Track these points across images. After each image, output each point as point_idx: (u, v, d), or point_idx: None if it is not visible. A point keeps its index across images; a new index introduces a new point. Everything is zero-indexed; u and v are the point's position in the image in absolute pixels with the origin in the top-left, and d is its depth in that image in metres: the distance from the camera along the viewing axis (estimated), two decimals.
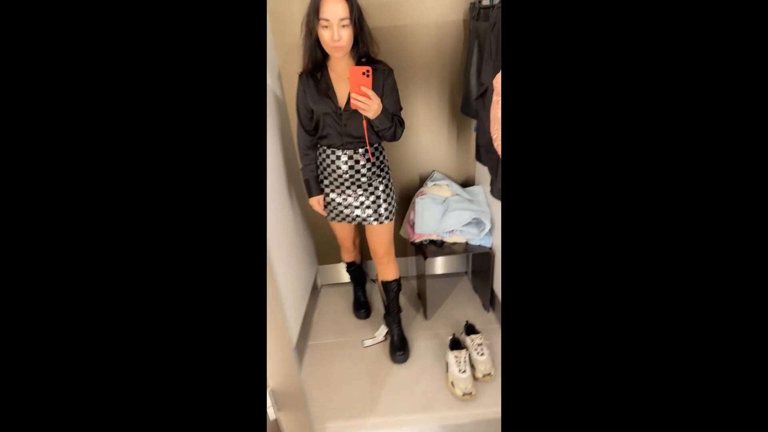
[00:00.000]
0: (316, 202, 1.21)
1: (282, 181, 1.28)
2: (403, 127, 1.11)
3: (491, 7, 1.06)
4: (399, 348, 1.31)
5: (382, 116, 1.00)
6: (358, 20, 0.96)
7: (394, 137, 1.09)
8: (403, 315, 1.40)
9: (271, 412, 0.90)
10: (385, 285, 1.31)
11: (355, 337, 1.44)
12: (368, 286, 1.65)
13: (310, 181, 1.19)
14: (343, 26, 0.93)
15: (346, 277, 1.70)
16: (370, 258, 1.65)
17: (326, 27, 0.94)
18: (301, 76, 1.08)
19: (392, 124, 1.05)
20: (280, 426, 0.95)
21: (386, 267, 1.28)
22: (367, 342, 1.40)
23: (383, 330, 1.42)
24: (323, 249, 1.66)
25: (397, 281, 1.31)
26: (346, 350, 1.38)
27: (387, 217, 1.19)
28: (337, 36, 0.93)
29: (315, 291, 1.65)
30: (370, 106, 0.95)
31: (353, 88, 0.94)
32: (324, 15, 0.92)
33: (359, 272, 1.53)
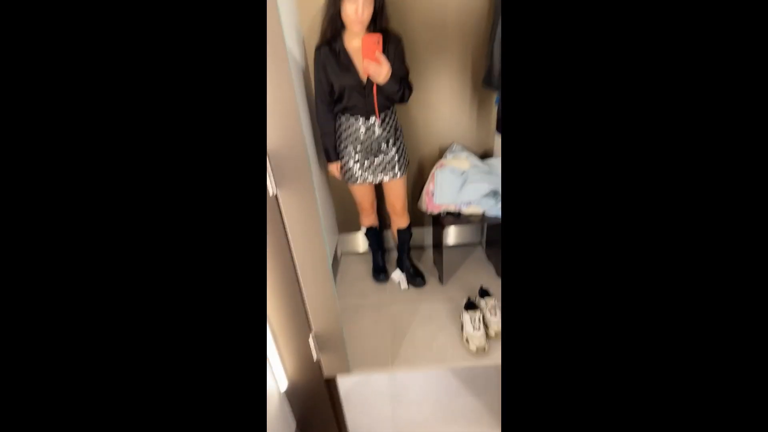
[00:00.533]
0: (335, 168, 1.32)
1: (310, 151, 1.34)
2: (411, 90, 1.20)
3: None
4: (418, 275, 1.56)
5: (391, 80, 1.09)
6: (380, 1, 1.03)
7: (403, 99, 1.18)
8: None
9: (314, 354, 1.01)
10: (400, 232, 1.51)
11: (375, 300, 1.55)
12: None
13: (329, 149, 1.29)
14: (367, 3, 1.00)
15: (364, 247, 1.79)
16: (387, 226, 1.75)
17: (352, 2, 0.99)
18: (319, 49, 1.13)
19: (400, 87, 1.14)
20: (322, 365, 1.07)
21: (401, 218, 1.48)
22: (402, 286, 1.58)
23: (398, 273, 1.61)
24: (343, 218, 1.74)
25: (409, 227, 1.51)
26: (368, 311, 1.49)
27: (402, 172, 1.35)
28: (361, 10, 1.00)
29: (335, 259, 1.75)
30: (381, 71, 1.04)
31: (366, 55, 1.02)
32: None
33: (378, 237, 1.61)
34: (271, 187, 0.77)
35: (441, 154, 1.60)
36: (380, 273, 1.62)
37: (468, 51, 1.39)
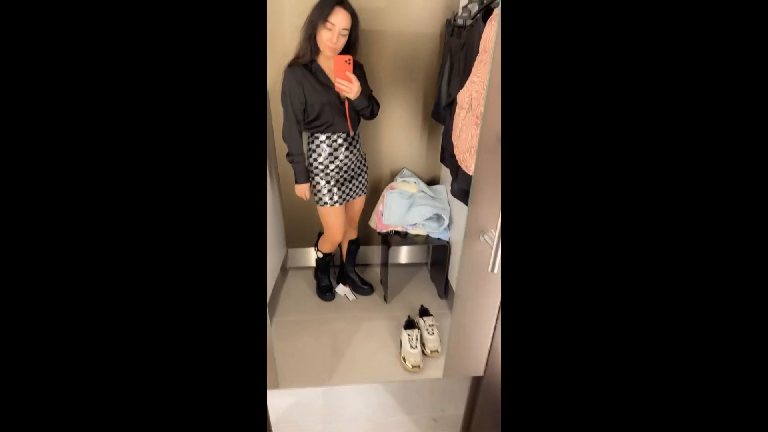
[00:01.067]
0: (305, 189, 1.32)
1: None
2: (378, 106, 1.30)
3: (464, 27, 1.19)
4: (365, 284, 1.64)
5: (361, 97, 1.18)
6: (354, 33, 1.14)
7: (373, 114, 1.29)
8: (365, 299, 1.59)
9: None
10: (350, 243, 1.60)
11: (318, 316, 1.55)
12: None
13: (300, 170, 1.30)
14: (342, 35, 1.11)
15: (311, 262, 1.80)
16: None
17: (329, 29, 1.09)
18: (292, 68, 1.17)
19: (369, 103, 1.24)
20: None
21: (354, 230, 1.58)
22: (350, 298, 1.63)
23: (341, 288, 1.64)
24: (292, 233, 1.74)
25: (357, 240, 1.62)
26: (310, 327, 1.49)
27: (365, 190, 1.46)
28: (335, 40, 1.10)
29: (284, 273, 1.73)
30: (351, 88, 1.13)
31: (337, 74, 1.12)
32: (332, 19, 1.07)
33: (329, 262, 1.63)
34: None
35: (392, 177, 1.68)
36: (327, 292, 1.62)
37: (420, 86, 1.51)
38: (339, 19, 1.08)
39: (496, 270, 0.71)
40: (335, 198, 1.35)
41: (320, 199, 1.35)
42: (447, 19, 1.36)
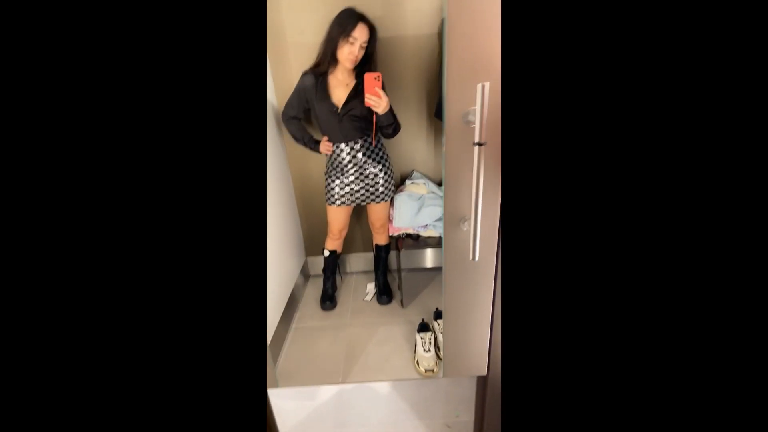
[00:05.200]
0: (324, 144, 1.39)
1: (279, 175, 1.43)
2: (400, 127, 1.35)
3: None
4: (384, 293, 1.63)
5: (389, 113, 1.25)
6: (372, 46, 1.23)
7: (395, 133, 1.34)
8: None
9: None
10: (377, 247, 1.61)
11: (335, 322, 1.56)
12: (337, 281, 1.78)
13: (307, 141, 1.40)
14: (362, 47, 1.19)
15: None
16: (349, 251, 1.79)
17: (351, 44, 1.18)
18: (306, 74, 1.30)
19: (394, 121, 1.30)
20: None
21: (380, 235, 1.59)
22: (367, 298, 1.67)
23: (372, 286, 1.67)
24: (312, 241, 1.79)
25: (387, 245, 1.62)
26: (327, 333, 1.51)
27: (383, 198, 1.46)
28: (357, 53, 1.19)
29: (305, 280, 1.78)
30: (380, 103, 1.20)
31: (368, 90, 1.19)
32: (354, 34, 1.16)
33: (335, 263, 1.66)
34: None
35: (404, 181, 1.68)
36: (327, 300, 1.64)
37: (423, 88, 1.51)
38: (360, 33, 1.17)
39: (477, 258, 0.68)
40: (334, 198, 1.44)
41: (327, 194, 1.46)
42: (442, 18, 1.37)
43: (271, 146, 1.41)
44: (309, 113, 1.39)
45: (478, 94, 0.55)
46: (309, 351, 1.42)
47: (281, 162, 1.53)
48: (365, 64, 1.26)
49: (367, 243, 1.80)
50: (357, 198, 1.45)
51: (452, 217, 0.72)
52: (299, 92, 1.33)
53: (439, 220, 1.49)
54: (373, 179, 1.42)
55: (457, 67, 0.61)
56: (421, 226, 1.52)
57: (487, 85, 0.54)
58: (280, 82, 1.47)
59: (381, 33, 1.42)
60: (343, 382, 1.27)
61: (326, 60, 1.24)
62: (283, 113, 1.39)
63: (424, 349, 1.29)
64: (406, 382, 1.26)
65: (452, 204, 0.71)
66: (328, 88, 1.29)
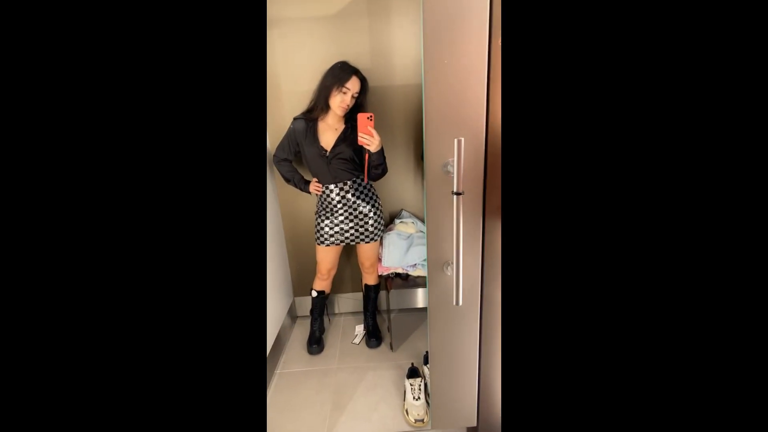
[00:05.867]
0: (314, 185, 1.43)
1: (269, 215, 1.44)
2: (386, 170, 1.41)
3: None
4: (373, 335, 1.60)
5: (380, 152, 1.31)
6: (362, 97, 1.32)
7: (383, 173, 1.39)
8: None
9: None
10: (367, 288, 1.60)
11: (322, 366, 1.50)
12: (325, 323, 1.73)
13: (298, 182, 1.45)
14: (353, 97, 1.29)
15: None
16: (338, 291, 1.77)
17: (344, 93, 1.27)
18: (298, 119, 1.37)
19: (384, 161, 1.35)
20: None
21: (370, 275, 1.57)
22: (355, 341, 1.63)
23: (360, 327, 1.64)
24: (300, 282, 1.77)
25: (377, 286, 1.61)
26: (313, 378, 1.45)
27: (372, 238, 1.47)
28: (348, 101, 1.28)
29: (292, 321, 1.73)
30: (373, 142, 1.25)
31: (361, 129, 1.24)
32: (348, 85, 1.26)
33: (323, 304, 1.63)
34: None
35: (392, 220, 1.70)
36: (314, 344, 1.59)
37: (410, 133, 1.58)
38: (353, 85, 1.27)
39: (460, 303, 0.68)
40: (324, 238, 1.46)
41: (316, 234, 1.48)
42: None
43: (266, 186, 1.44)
44: (299, 155, 1.43)
45: (455, 149, 0.58)
46: (294, 399, 1.35)
47: (272, 202, 1.55)
48: (354, 112, 1.34)
49: (356, 283, 1.78)
50: (347, 237, 1.45)
51: (436, 262, 0.73)
52: (290, 136, 1.39)
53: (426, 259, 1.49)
54: (363, 219, 1.44)
55: (435, 122, 0.65)
56: (410, 266, 1.52)
57: (462, 140, 0.58)
58: (273, 126, 1.53)
59: (371, 83, 1.51)
60: None
61: (318, 106, 1.32)
62: (275, 155, 1.44)
63: (414, 397, 1.23)
64: None
65: (435, 249, 0.72)
66: (317, 132, 1.36)
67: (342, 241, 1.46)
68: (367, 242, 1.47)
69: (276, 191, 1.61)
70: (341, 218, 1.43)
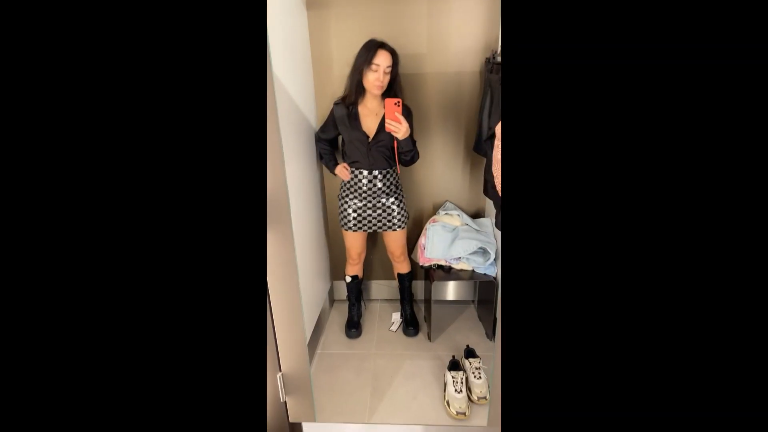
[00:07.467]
0: (342, 169, 1.43)
1: (312, 199, 1.45)
2: (419, 156, 1.36)
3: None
4: (411, 324, 1.60)
5: (408, 139, 1.27)
6: (395, 70, 1.26)
7: (412, 160, 1.35)
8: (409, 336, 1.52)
9: (281, 394, 1.01)
10: (400, 276, 1.60)
11: (360, 351, 1.53)
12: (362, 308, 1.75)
13: (329, 162, 1.45)
14: (386, 73, 1.23)
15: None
16: (371, 278, 1.78)
17: (375, 71, 1.22)
18: (338, 104, 1.34)
19: (413, 147, 1.31)
20: (288, 408, 1.05)
21: (401, 264, 1.57)
22: (392, 328, 1.64)
23: (397, 315, 1.65)
24: (338, 266, 1.79)
25: (410, 273, 1.60)
26: (351, 361, 1.47)
27: (399, 226, 1.46)
28: (381, 78, 1.23)
29: (331, 304, 1.76)
30: (400, 128, 1.21)
31: (388, 115, 1.20)
32: (376, 61, 1.21)
33: (358, 288, 1.64)
34: None
35: (435, 210, 1.68)
36: (352, 328, 1.61)
37: (461, 121, 1.53)
38: (382, 60, 1.21)
39: None
40: (350, 224, 1.46)
41: (342, 220, 1.48)
42: (486, 58, 1.40)
43: (307, 171, 1.44)
44: (337, 138, 1.43)
45: None
46: (334, 380, 1.39)
47: (315, 186, 1.56)
48: (390, 90, 1.30)
49: (386, 271, 1.78)
50: (372, 225, 1.45)
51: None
52: (333, 120, 1.37)
53: (473, 253, 1.47)
54: (386, 209, 1.43)
55: None
56: (454, 258, 1.50)
57: None
58: (321, 111, 1.52)
59: (424, 69, 1.46)
60: (370, 420, 1.22)
61: (353, 89, 1.29)
62: (317, 133, 1.44)
63: (456, 390, 1.23)
64: (440, 427, 1.20)
65: None
66: (359, 118, 1.33)
67: (368, 228, 1.45)
68: (394, 230, 1.46)
69: (320, 175, 1.61)
70: (364, 203, 1.41)
